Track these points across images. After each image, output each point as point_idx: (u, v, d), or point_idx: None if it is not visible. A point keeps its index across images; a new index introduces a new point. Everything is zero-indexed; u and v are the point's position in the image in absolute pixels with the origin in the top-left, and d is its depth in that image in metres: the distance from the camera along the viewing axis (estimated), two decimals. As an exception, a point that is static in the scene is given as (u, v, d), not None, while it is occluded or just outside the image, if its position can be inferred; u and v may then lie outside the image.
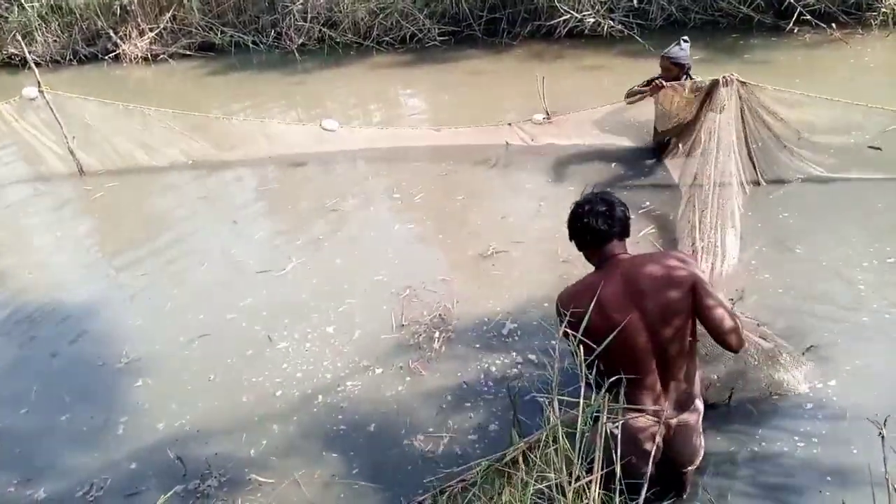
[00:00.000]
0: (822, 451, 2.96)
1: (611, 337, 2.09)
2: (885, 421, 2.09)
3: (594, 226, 2.34)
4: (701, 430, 2.51)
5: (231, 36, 10.67)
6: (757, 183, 4.98)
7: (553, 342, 3.70)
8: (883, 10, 8.32)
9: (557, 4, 9.01)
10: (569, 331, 2.06)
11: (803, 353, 3.38)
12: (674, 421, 2.36)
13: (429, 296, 4.34)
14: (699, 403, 2.46)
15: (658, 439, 2.26)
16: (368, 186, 5.96)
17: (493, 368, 3.69)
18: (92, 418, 3.69)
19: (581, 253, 2.49)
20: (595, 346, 2.07)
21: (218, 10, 10.75)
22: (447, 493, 2.12)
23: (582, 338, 2.00)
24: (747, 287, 3.88)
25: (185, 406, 3.67)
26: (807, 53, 7.97)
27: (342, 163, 6.47)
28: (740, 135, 4.88)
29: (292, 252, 5.01)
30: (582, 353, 1.94)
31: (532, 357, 3.69)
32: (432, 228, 5.17)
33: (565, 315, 2.16)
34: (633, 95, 5.40)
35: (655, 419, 2.29)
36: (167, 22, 10.68)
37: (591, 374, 1.95)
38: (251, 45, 10.62)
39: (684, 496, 2.67)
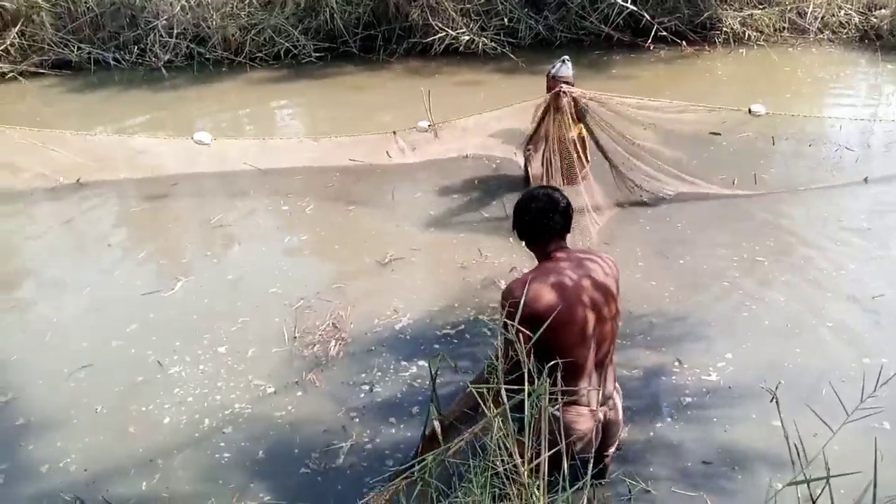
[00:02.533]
0: (726, 429, 3.19)
1: (573, 327, 2.19)
2: (777, 386, 2.27)
3: (549, 222, 2.36)
4: (622, 415, 2.64)
5: (89, 52, 9.99)
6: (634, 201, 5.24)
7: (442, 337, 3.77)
8: (724, 29, 9.21)
9: (432, 22, 9.21)
10: (513, 325, 2.05)
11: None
12: (604, 407, 2.47)
13: (323, 305, 4.26)
14: (619, 391, 2.61)
15: (599, 425, 2.37)
16: (252, 200, 5.77)
17: (392, 369, 3.69)
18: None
19: (522, 241, 2.50)
20: (550, 336, 2.12)
21: (73, 25, 10.02)
22: (390, 494, 2.08)
23: (536, 330, 2.04)
24: (636, 293, 4.11)
25: (70, 443, 3.34)
26: (666, 68, 8.66)
27: (218, 180, 6.20)
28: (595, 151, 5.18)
29: (179, 271, 4.74)
30: (523, 344, 1.97)
31: (431, 356, 3.71)
32: (326, 238, 5.09)
33: (510, 307, 2.17)
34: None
35: (592, 408, 2.39)
36: (14, 37, 9.84)
37: (540, 364, 1.99)
38: (112, 63, 10.00)
39: (605, 478, 2.77)
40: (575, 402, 2.35)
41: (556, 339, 2.19)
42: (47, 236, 5.53)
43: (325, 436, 3.29)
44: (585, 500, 2.03)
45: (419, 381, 3.60)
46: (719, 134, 5.58)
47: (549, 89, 5.00)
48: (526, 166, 5.54)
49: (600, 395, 2.43)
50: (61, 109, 8.80)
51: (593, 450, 2.40)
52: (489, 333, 3.88)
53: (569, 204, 2.42)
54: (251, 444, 3.27)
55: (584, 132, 5.07)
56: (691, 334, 3.82)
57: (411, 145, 5.98)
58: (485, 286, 4.35)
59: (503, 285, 4.25)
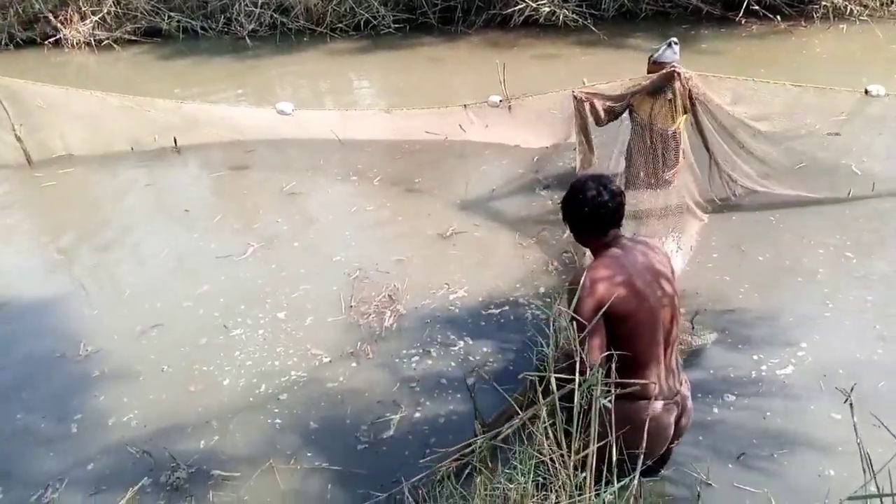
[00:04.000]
0: (787, 422, 3.04)
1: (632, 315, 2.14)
2: (853, 388, 2.12)
3: (605, 213, 2.24)
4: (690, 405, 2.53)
5: (178, 21, 10.36)
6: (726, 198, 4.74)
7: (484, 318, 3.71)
8: (824, 3, 8.58)
9: (512, -8, 9.03)
10: (572, 313, 2.00)
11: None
12: (673, 400, 2.37)
13: (381, 276, 4.30)
14: (687, 383, 2.50)
15: (674, 417, 2.31)
16: (324, 170, 5.87)
17: (444, 343, 3.69)
18: (44, 417, 3.47)
19: (573, 235, 2.39)
20: (623, 324, 2.09)
21: (164, -6, 10.44)
22: (441, 474, 2.07)
23: (607, 322, 2.00)
24: (709, 289, 3.93)
25: (135, 399, 3.51)
26: (759, 44, 8.17)
27: (294, 148, 6.33)
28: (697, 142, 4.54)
29: (251, 236, 4.89)
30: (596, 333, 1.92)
31: (485, 336, 3.69)
32: (391, 210, 5.13)
33: (582, 297, 2.11)
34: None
35: (662, 400, 2.30)
36: (111, 6, 10.30)
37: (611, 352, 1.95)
38: (200, 31, 10.33)
39: (662, 470, 2.68)
40: (644, 396, 2.24)
41: (627, 331, 2.12)
42: (133, 198, 5.81)
43: (377, 407, 3.32)
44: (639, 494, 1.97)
45: (471, 356, 3.59)
46: (838, 134, 5.07)
47: (649, 73, 4.35)
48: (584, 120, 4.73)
49: (669, 386, 2.33)
50: (152, 75, 9.19)
51: (664, 445, 2.34)
52: (532, 318, 3.81)
53: (622, 192, 2.30)
54: (304, 412, 3.34)
55: (684, 124, 4.39)
56: (766, 330, 3.61)
57: (483, 121, 5.87)
58: (542, 267, 4.28)
59: (554, 266, 4.20)
